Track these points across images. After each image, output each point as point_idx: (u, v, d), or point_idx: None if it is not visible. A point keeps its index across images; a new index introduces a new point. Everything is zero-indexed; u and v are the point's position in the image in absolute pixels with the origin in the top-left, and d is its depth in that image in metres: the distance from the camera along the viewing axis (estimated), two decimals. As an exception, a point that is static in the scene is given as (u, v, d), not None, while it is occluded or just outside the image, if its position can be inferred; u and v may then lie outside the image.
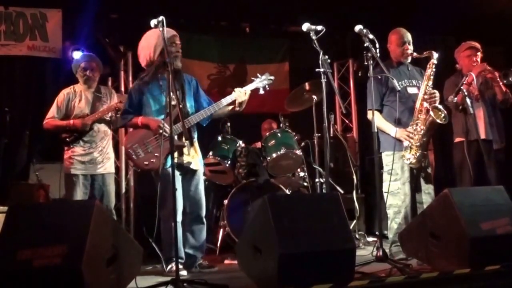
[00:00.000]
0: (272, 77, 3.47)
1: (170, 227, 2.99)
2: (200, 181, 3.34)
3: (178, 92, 3.15)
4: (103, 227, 2.28)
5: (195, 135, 3.38)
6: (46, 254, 2.05)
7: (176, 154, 3.16)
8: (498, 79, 3.83)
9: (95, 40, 4.94)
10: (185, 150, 3.24)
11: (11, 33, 4.81)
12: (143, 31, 3.31)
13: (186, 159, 3.25)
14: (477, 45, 3.95)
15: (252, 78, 3.45)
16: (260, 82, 3.42)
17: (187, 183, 3.28)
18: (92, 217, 2.16)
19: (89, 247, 2.08)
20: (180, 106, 3.10)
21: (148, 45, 3.23)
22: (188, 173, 3.29)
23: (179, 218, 3.16)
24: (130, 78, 5.14)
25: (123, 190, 5.05)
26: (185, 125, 3.04)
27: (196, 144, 3.38)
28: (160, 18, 2.82)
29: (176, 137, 3.13)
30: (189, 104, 3.34)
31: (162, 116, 3.21)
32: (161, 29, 2.81)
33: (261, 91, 3.44)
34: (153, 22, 2.86)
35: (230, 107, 3.37)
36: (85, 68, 3.82)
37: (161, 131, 3.12)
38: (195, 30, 5.56)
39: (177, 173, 3.15)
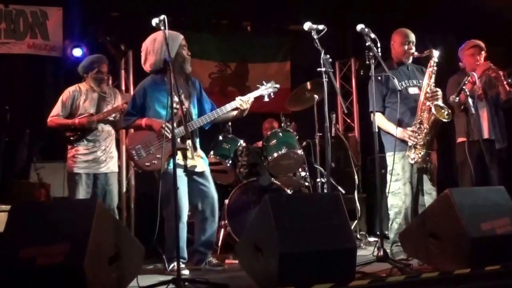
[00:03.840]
0: (277, 85, 3.49)
1: (174, 226, 3.01)
2: (210, 179, 3.35)
3: (183, 95, 3.15)
4: (105, 225, 2.29)
5: (197, 140, 3.37)
6: (49, 253, 2.06)
7: (180, 157, 3.17)
8: (503, 78, 3.82)
9: (96, 38, 4.94)
10: (188, 154, 3.23)
11: (11, 31, 4.80)
12: (144, 30, 3.29)
13: (190, 163, 3.25)
14: (482, 44, 3.92)
15: (258, 86, 3.47)
16: (265, 89, 3.45)
17: (195, 183, 3.29)
18: (94, 215, 2.17)
19: (91, 245, 2.09)
20: (184, 108, 3.10)
21: (155, 50, 3.19)
22: (194, 174, 3.30)
23: (185, 218, 3.17)
24: (131, 77, 5.13)
25: (124, 189, 5.05)
26: (188, 128, 3.06)
27: (198, 148, 3.38)
28: (162, 17, 2.81)
29: (179, 140, 3.14)
30: (193, 107, 3.35)
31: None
32: (163, 28, 2.80)
33: (266, 99, 3.47)
34: (154, 21, 2.83)
35: (234, 113, 3.39)
36: (101, 72, 3.80)
37: (164, 132, 3.12)
38: (196, 29, 5.54)
39: (182, 173, 3.17)
